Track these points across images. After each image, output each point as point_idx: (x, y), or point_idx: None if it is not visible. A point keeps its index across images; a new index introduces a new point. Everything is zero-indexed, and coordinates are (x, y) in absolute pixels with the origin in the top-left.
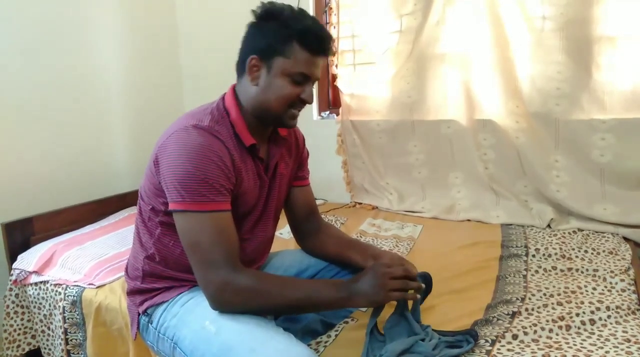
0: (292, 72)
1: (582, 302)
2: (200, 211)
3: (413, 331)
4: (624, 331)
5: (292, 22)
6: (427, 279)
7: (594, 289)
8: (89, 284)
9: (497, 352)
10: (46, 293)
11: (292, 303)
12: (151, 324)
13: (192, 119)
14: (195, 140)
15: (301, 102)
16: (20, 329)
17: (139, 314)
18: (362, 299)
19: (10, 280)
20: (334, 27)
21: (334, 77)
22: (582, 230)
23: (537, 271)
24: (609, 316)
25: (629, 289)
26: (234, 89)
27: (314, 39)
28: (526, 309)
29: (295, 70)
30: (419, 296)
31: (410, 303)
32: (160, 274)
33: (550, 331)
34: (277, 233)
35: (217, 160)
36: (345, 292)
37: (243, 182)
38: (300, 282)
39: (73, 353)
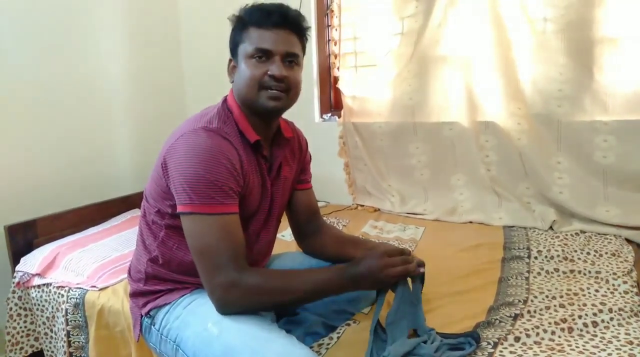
0: (250, 52)
1: (585, 305)
2: (209, 213)
3: (418, 322)
4: (626, 333)
5: (246, 11)
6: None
7: (597, 291)
8: (92, 286)
9: (500, 355)
10: (49, 295)
11: (299, 296)
12: (154, 326)
13: (200, 121)
14: (205, 142)
15: (271, 79)
16: (23, 331)
17: (141, 316)
18: (366, 281)
19: (13, 282)
20: (336, 29)
21: (336, 80)
22: (584, 232)
23: (539, 273)
24: (611, 318)
25: (631, 291)
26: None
27: (263, 14)
28: (528, 311)
29: (252, 47)
30: (422, 270)
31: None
32: (163, 276)
33: (553, 333)
34: (278, 235)
35: (226, 163)
36: (349, 276)
37: (249, 182)
38: (304, 273)
39: (76, 355)
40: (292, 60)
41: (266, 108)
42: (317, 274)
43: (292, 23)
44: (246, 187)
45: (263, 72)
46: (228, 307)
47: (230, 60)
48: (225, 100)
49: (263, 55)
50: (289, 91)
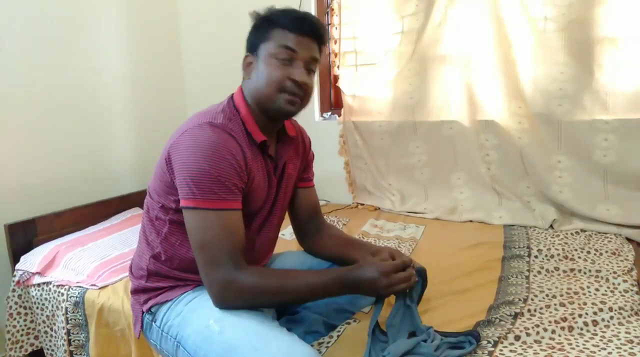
0: (275, 51)
1: (585, 303)
2: (211, 208)
3: (416, 324)
4: (627, 332)
5: (274, 13)
6: (422, 273)
7: (597, 290)
8: (92, 285)
9: (500, 354)
10: (49, 294)
11: (296, 296)
12: (155, 322)
13: (205, 117)
14: (210, 137)
15: (293, 84)
16: (23, 330)
17: (142, 313)
18: (365, 290)
19: (13, 281)
20: (336, 28)
21: (336, 78)
22: (584, 231)
23: (539, 272)
24: (611, 317)
25: (631, 290)
26: (241, 88)
27: (294, 19)
28: (528, 310)
29: (276, 45)
30: (416, 279)
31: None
32: (165, 273)
33: (553, 332)
34: (279, 234)
35: (230, 159)
36: (348, 282)
37: (254, 179)
38: (302, 274)
39: (76, 354)
40: (312, 68)
41: (282, 111)
42: (316, 277)
43: (320, 33)
44: (250, 185)
45: (285, 75)
46: (225, 303)
47: (246, 57)
48: (232, 98)
49: (288, 58)
50: (304, 98)
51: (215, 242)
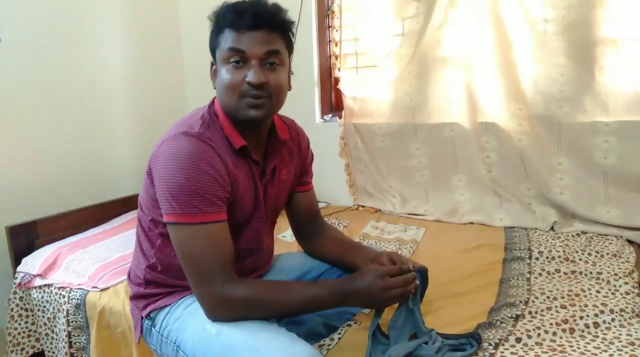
0: (226, 55)
1: (586, 305)
2: (191, 223)
3: (418, 326)
4: (628, 334)
5: (218, 12)
6: (423, 273)
7: (598, 292)
8: (93, 287)
9: (501, 356)
10: (50, 296)
11: (288, 310)
12: (154, 327)
13: (182, 126)
14: (186, 148)
15: (250, 86)
16: (24, 332)
17: (142, 318)
18: (361, 300)
19: (15, 283)
20: (337, 30)
21: (337, 81)
22: (585, 233)
23: (540, 274)
24: (612, 319)
25: (632, 292)
26: None
27: (234, 15)
28: (530, 312)
29: (226, 49)
30: (417, 282)
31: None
32: (162, 282)
33: (554, 334)
34: (280, 236)
35: (208, 170)
36: (342, 295)
37: (239, 188)
38: (296, 286)
39: (77, 356)
40: (274, 61)
41: (247, 117)
42: (311, 290)
43: (269, 21)
44: (235, 193)
45: (241, 79)
46: (217, 317)
47: (212, 64)
48: (212, 103)
49: (240, 59)
50: (271, 97)
51: (202, 256)
